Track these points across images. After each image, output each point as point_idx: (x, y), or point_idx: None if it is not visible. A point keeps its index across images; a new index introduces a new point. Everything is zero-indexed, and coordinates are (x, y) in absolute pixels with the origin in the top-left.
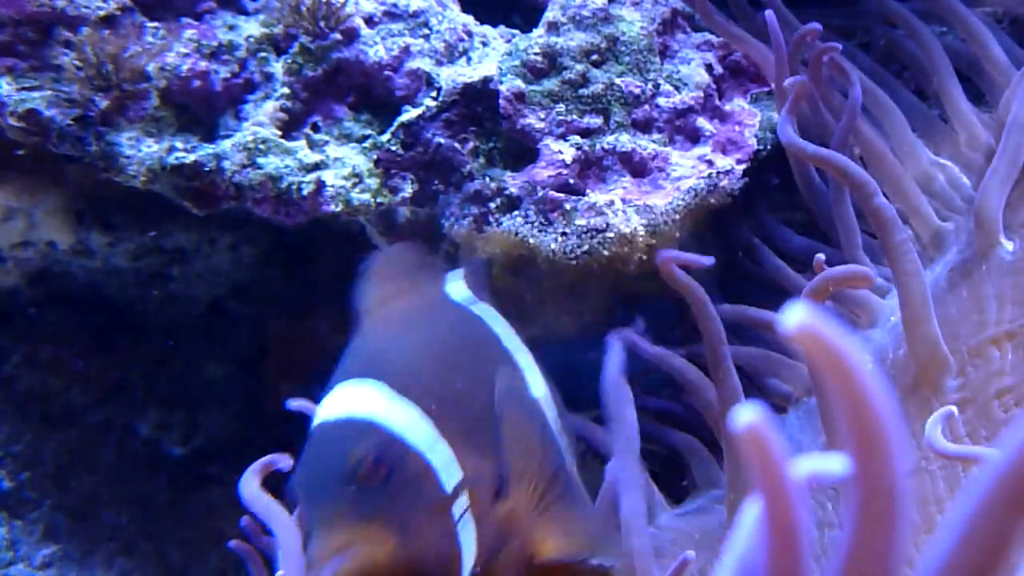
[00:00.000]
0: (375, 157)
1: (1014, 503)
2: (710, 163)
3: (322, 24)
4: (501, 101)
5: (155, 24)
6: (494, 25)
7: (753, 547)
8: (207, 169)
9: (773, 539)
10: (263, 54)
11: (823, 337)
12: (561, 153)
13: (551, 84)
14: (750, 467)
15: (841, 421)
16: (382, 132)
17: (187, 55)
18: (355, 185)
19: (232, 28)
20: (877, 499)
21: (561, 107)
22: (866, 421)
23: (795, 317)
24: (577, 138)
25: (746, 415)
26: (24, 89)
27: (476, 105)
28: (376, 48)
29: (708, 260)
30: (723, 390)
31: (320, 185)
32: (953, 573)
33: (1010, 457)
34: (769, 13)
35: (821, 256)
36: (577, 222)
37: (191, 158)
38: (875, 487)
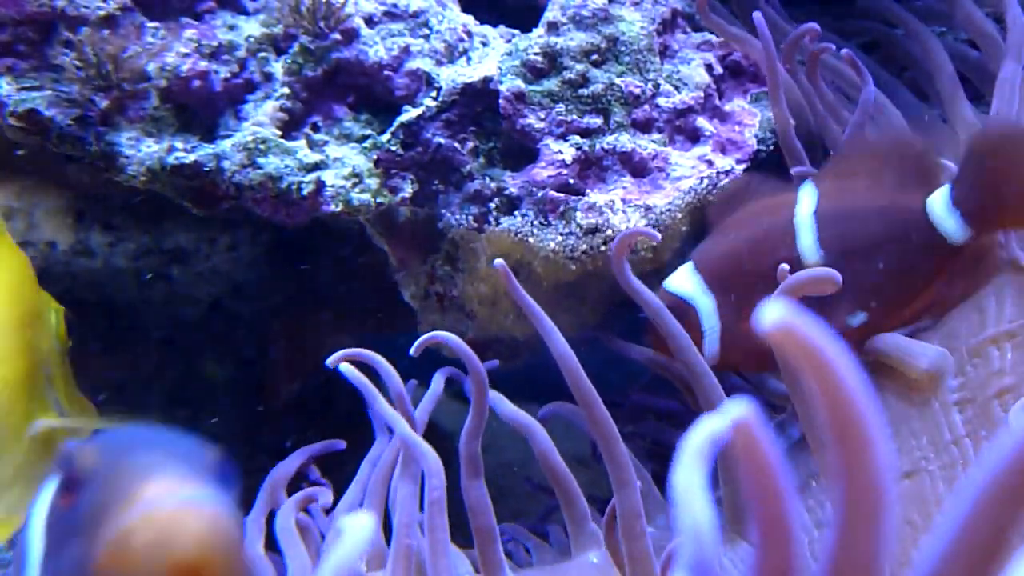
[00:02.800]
0: (375, 157)
1: (1010, 503)
2: (710, 163)
3: (322, 24)
4: (501, 101)
5: (155, 24)
6: (494, 25)
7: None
8: (207, 169)
9: (765, 539)
10: (263, 54)
11: (799, 334)
12: (561, 153)
13: (551, 84)
14: (740, 463)
15: (821, 418)
16: (382, 132)
17: (187, 55)
18: (355, 185)
19: (232, 28)
20: (860, 497)
21: (561, 107)
22: (845, 418)
23: (770, 315)
24: (577, 138)
25: (734, 411)
26: (24, 89)
27: (476, 105)
28: (376, 48)
29: None
30: (701, 392)
31: (320, 185)
32: (949, 573)
33: (1006, 457)
34: (758, 16)
35: (785, 266)
36: (577, 222)
37: (191, 158)
38: (858, 485)
